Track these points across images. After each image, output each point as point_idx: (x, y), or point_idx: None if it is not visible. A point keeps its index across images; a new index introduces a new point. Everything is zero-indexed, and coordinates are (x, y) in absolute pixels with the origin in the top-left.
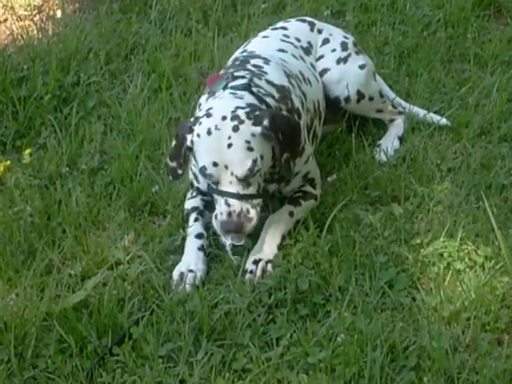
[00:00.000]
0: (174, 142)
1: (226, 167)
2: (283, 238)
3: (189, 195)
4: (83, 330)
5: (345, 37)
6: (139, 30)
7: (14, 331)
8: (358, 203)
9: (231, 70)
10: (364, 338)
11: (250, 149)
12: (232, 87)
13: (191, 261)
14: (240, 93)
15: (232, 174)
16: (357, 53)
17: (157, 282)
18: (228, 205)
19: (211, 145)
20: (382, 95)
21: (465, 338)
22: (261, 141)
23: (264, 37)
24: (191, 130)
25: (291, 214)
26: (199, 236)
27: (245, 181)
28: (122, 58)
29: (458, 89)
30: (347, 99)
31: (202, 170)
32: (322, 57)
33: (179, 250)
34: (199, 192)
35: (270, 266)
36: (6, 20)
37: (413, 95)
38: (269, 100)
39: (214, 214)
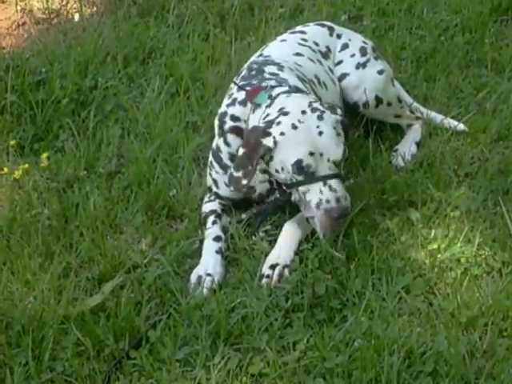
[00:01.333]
0: (241, 151)
1: (322, 154)
2: (300, 242)
3: (206, 199)
4: (100, 334)
5: (364, 42)
6: (157, 34)
7: (31, 334)
8: (375, 208)
9: (255, 82)
10: (381, 343)
11: (338, 134)
12: (283, 92)
13: (209, 264)
14: (294, 94)
15: (329, 160)
16: (375, 58)
17: (174, 286)
18: (334, 190)
19: (301, 137)
20: (400, 100)
21: (482, 343)
22: (341, 128)
23: (282, 40)
24: (267, 134)
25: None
26: (217, 239)
27: (339, 165)
28: (140, 62)
29: (475, 94)
30: (365, 104)
31: (298, 163)
32: (341, 62)
33: (196, 254)
34: (217, 196)
35: (286, 271)
36: (24, 23)
37: (430, 100)
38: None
39: (313, 203)
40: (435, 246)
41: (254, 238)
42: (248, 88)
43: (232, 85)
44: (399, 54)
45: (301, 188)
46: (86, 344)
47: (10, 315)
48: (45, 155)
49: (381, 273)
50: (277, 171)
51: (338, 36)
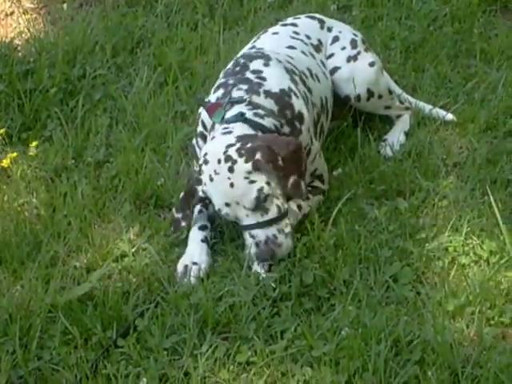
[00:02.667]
0: (182, 194)
1: (238, 203)
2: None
3: None
4: (88, 322)
5: (354, 34)
6: (145, 23)
7: (19, 323)
8: (363, 197)
9: (231, 82)
10: (368, 332)
11: (252, 181)
12: (226, 120)
13: (195, 253)
14: (231, 126)
15: (245, 207)
16: (366, 50)
17: (162, 275)
18: (253, 236)
19: (217, 189)
20: (390, 92)
21: (469, 332)
22: (259, 173)
23: (274, 33)
24: (200, 182)
25: (299, 207)
26: (203, 228)
27: (258, 209)
28: (128, 52)
29: (464, 84)
30: (358, 97)
31: (219, 212)
32: (332, 55)
33: (184, 243)
34: None
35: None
36: (12, 13)
37: (419, 90)
38: (266, 121)
39: (246, 250)
40: (423, 236)
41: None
42: (207, 102)
43: (220, 78)
44: (388, 44)
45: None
46: (74, 332)
47: None
48: (33, 144)
49: (368, 262)
50: None
51: (329, 29)
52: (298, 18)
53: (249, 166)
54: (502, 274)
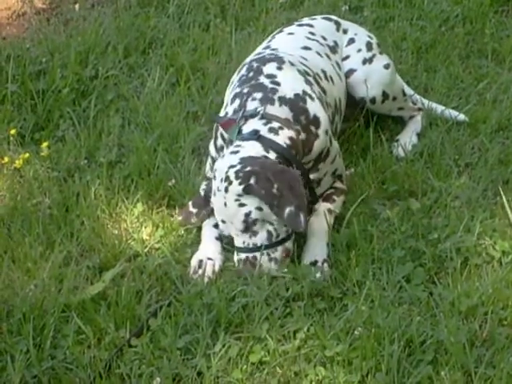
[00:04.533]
0: (202, 191)
1: (231, 222)
2: (329, 236)
3: (203, 186)
4: (101, 322)
5: (369, 36)
6: (157, 24)
7: (32, 322)
8: (376, 198)
9: (245, 91)
10: (381, 332)
11: (242, 205)
12: (242, 137)
13: (209, 249)
14: (243, 144)
15: (235, 227)
16: (381, 53)
17: (174, 274)
18: (238, 255)
19: (216, 205)
20: (404, 93)
21: (482, 332)
22: (249, 196)
23: (289, 33)
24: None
25: (330, 211)
26: (217, 226)
27: (246, 231)
28: (140, 52)
29: (475, 84)
30: (373, 100)
31: (217, 226)
32: (347, 57)
33: (196, 242)
34: None
35: (326, 265)
36: (24, 13)
37: (430, 91)
38: (281, 136)
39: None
40: (435, 236)
41: None
42: (221, 118)
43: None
44: (400, 45)
45: None
46: (87, 332)
47: (11, 303)
48: (45, 144)
49: (381, 262)
50: None
51: (345, 31)
52: (314, 18)
53: (240, 188)
54: None
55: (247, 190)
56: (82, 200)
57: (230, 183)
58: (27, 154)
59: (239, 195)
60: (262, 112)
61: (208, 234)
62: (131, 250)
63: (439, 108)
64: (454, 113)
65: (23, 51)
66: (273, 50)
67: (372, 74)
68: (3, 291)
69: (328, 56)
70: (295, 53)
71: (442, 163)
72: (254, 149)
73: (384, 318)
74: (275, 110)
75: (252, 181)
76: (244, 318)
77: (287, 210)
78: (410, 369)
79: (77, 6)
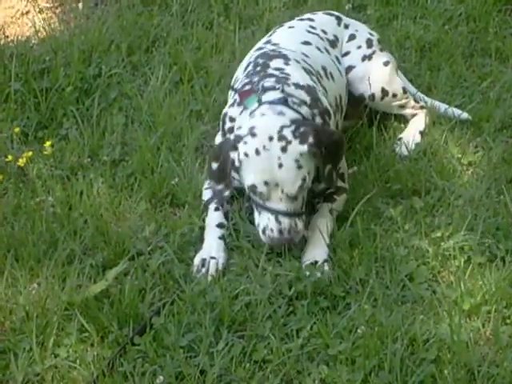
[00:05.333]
0: (214, 165)
1: (277, 185)
2: (331, 236)
3: (206, 185)
4: (104, 320)
5: (370, 33)
6: (161, 22)
7: (35, 320)
8: (379, 196)
9: (256, 79)
10: (384, 331)
11: (300, 167)
12: (270, 102)
13: (212, 248)
14: (279, 108)
15: (282, 191)
16: (381, 50)
17: (178, 273)
18: (279, 222)
19: (261, 165)
20: (405, 91)
21: (485, 331)
22: (308, 158)
23: (290, 27)
24: (235, 148)
25: (331, 211)
26: (220, 225)
27: (295, 198)
28: (144, 51)
29: (479, 83)
30: (372, 97)
31: (252, 187)
32: (347, 53)
33: (200, 241)
34: None
35: (326, 266)
36: (28, 12)
37: (434, 89)
38: (304, 110)
39: (261, 226)
40: (439, 235)
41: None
42: (241, 89)
43: (240, 80)
44: (403, 44)
45: (257, 208)
46: (90, 330)
47: (14, 301)
48: (49, 143)
49: (384, 261)
50: (241, 182)
51: (346, 26)
52: (315, 13)
53: (304, 148)
54: None
55: (310, 149)
56: (85, 198)
57: (289, 142)
58: (30, 153)
59: (301, 154)
60: (281, 88)
61: (211, 233)
62: (134, 248)
63: (442, 106)
64: (457, 111)
65: (27, 50)
66: (274, 44)
67: (371, 71)
68: (7, 289)
69: (327, 51)
70: (296, 48)
71: (445, 162)
72: (292, 115)
73: (387, 317)
74: (292, 91)
75: (311, 139)
76: (247, 317)
77: (327, 168)
78: (413, 367)
79: (80, 5)
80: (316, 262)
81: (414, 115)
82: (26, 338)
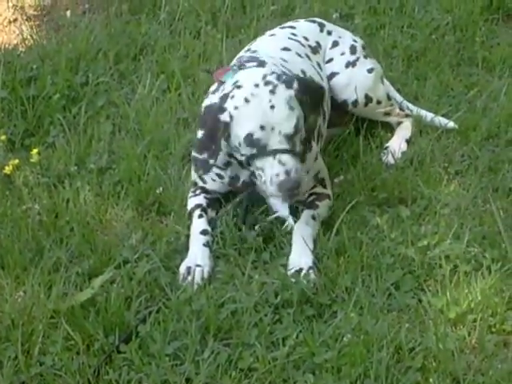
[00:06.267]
0: (200, 133)
1: (273, 128)
2: (314, 241)
3: (191, 194)
4: (90, 328)
5: (354, 40)
6: (148, 30)
7: (21, 328)
8: (365, 205)
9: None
10: (370, 339)
11: (292, 108)
12: (249, 66)
13: (197, 256)
14: (257, 66)
15: (280, 133)
16: (365, 56)
17: (164, 281)
18: (283, 164)
19: (253, 111)
20: (389, 98)
21: (471, 339)
22: (296, 102)
23: (271, 35)
24: (223, 109)
25: (313, 217)
26: (204, 232)
27: (291, 139)
28: (131, 59)
29: (466, 92)
30: (355, 103)
31: (249, 137)
32: (331, 60)
33: (186, 250)
34: (203, 190)
35: (311, 273)
36: (15, 20)
37: (421, 98)
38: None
39: (268, 177)
40: (425, 243)
41: (243, 230)
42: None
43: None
44: (390, 53)
45: (257, 164)
46: (76, 338)
47: None
48: (35, 151)
49: (370, 269)
50: (236, 148)
51: (329, 32)
52: (298, 21)
53: (291, 92)
54: (504, 282)
55: (296, 93)
56: (71, 206)
57: (276, 86)
58: (17, 160)
59: (290, 97)
60: (258, 63)
61: (196, 240)
62: (121, 256)
63: (429, 115)
64: (443, 120)
65: (14, 57)
66: (253, 52)
67: (354, 78)
68: None
69: (308, 57)
70: (275, 55)
71: (431, 171)
72: (272, 69)
73: (373, 325)
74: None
75: (295, 85)
76: (233, 325)
77: (311, 118)
78: (399, 376)
79: (68, 13)
80: (301, 270)
81: (399, 123)
82: (12, 346)
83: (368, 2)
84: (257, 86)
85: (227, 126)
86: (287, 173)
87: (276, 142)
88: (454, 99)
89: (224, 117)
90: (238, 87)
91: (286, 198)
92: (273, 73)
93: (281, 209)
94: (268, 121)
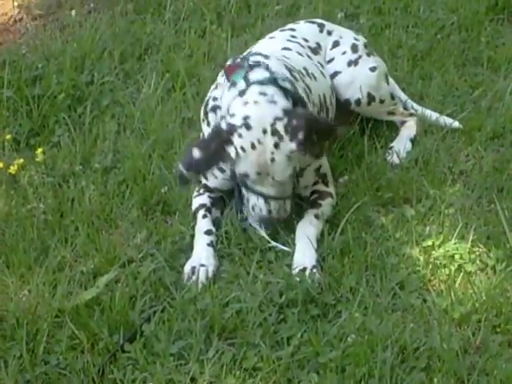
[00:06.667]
0: (196, 153)
1: (268, 174)
2: (318, 241)
3: (195, 193)
4: (95, 327)
5: (355, 38)
6: (153, 30)
7: (26, 327)
8: (370, 205)
9: (241, 57)
10: (374, 339)
11: (290, 160)
12: (258, 82)
13: (202, 256)
14: (268, 91)
15: (273, 178)
16: (368, 54)
17: (168, 280)
18: (268, 204)
19: (256, 158)
20: (393, 97)
21: (475, 339)
22: (298, 153)
23: (271, 38)
24: (230, 142)
25: (317, 216)
26: (208, 232)
27: (283, 184)
28: (136, 58)
29: (470, 92)
30: (358, 101)
31: (245, 175)
32: (332, 59)
33: (190, 249)
34: (207, 189)
35: (315, 272)
36: (21, 19)
37: (426, 98)
38: (288, 85)
39: (250, 204)
40: (429, 243)
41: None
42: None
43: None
44: (395, 52)
45: (244, 190)
46: (81, 337)
47: (4, 308)
48: (40, 150)
49: (375, 269)
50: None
51: (329, 33)
52: (297, 23)
53: (293, 145)
54: (509, 282)
55: (299, 147)
56: (76, 205)
57: (281, 138)
58: (22, 160)
59: (291, 152)
60: (266, 64)
61: (200, 240)
62: (125, 255)
63: (434, 115)
64: (448, 120)
65: (19, 57)
66: (254, 54)
67: (357, 76)
68: None
69: (309, 56)
70: (277, 53)
71: (436, 170)
72: (284, 98)
73: (377, 325)
74: (277, 67)
75: (301, 136)
76: (238, 324)
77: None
78: (403, 376)
79: (73, 12)
80: (305, 269)
81: (403, 122)
82: (16, 344)
83: (373, 1)
84: (265, 132)
85: (230, 158)
86: (269, 212)
87: (268, 184)
88: (458, 99)
89: (230, 150)
90: (248, 127)
91: (264, 226)
92: (285, 115)
93: (257, 226)
94: (267, 170)
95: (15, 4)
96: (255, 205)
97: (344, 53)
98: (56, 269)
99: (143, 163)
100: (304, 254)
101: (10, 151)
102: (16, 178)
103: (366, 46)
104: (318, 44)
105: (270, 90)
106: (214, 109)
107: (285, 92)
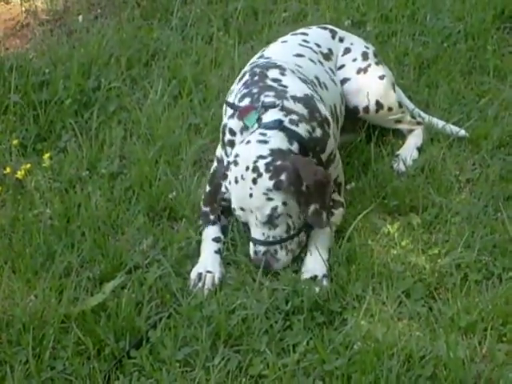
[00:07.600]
0: (208, 188)
1: (251, 211)
2: (329, 250)
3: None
4: (101, 333)
5: (366, 46)
6: (160, 36)
7: (32, 333)
8: (376, 212)
9: (255, 90)
10: (380, 347)
11: (269, 199)
12: (265, 126)
13: (208, 262)
14: (269, 133)
15: (256, 218)
16: (377, 63)
17: (175, 287)
18: (255, 245)
19: (238, 192)
20: (400, 106)
21: (481, 348)
22: (277, 193)
23: (283, 42)
24: (225, 177)
25: (330, 225)
26: (216, 239)
27: (268, 223)
28: (143, 64)
29: (477, 100)
30: (366, 109)
31: (233, 211)
32: (342, 66)
33: (197, 255)
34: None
35: (325, 281)
36: (28, 24)
37: (432, 106)
38: (301, 128)
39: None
40: (436, 251)
41: None
42: (240, 106)
43: (239, 90)
44: (402, 60)
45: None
46: (87, 343)
47: (11, 313)
48: (47, 155)
49: (381, 277)
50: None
51: (341, 39)
52: (310, 28)
53: (270, 183)
54: None
55: (277, 186)
56: (83, 211)
57: (260, 175)
58: (29, 165)
59: (268, 190)
60: (281, 104)
61: (207, 247)
62: (132, 261)
63: (440, 123)
64: (455, 128)
65: (26, 62)
66: (266, 58)
67: (366, 84)
68: (3, 301)
69: (321, 63)
70: (288, 60)
71: (442, 179)
72: (280, 140)
73: (383, 333)
74: (291, 105)
75: (283, 177)
76: (243, 331)
77: (312, 208)
78: None
79: (80, 18)
80: (316, 277)
81: (410, 131)
82: (23, 350)
83: (380, 9)
84: (247, 169)
85: (226, 193)
86: (256, 253)
87: (253, 223)
88: (465, 107)
89: (224, 184)
90: (235, 164)
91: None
92: (270, 155)
93: None
94: (247, 205)
95: (22, 9)
96: (250, 246)
97: (354, 60)
98: (62, 274)
99: (150, 169)
100: (315, 263)
101: (16, 156)
102: (23, 183)
103: (375, 54)
104: (329, 50)
105: (271, 132)
106: (231, 145)
107: (291, 134)
